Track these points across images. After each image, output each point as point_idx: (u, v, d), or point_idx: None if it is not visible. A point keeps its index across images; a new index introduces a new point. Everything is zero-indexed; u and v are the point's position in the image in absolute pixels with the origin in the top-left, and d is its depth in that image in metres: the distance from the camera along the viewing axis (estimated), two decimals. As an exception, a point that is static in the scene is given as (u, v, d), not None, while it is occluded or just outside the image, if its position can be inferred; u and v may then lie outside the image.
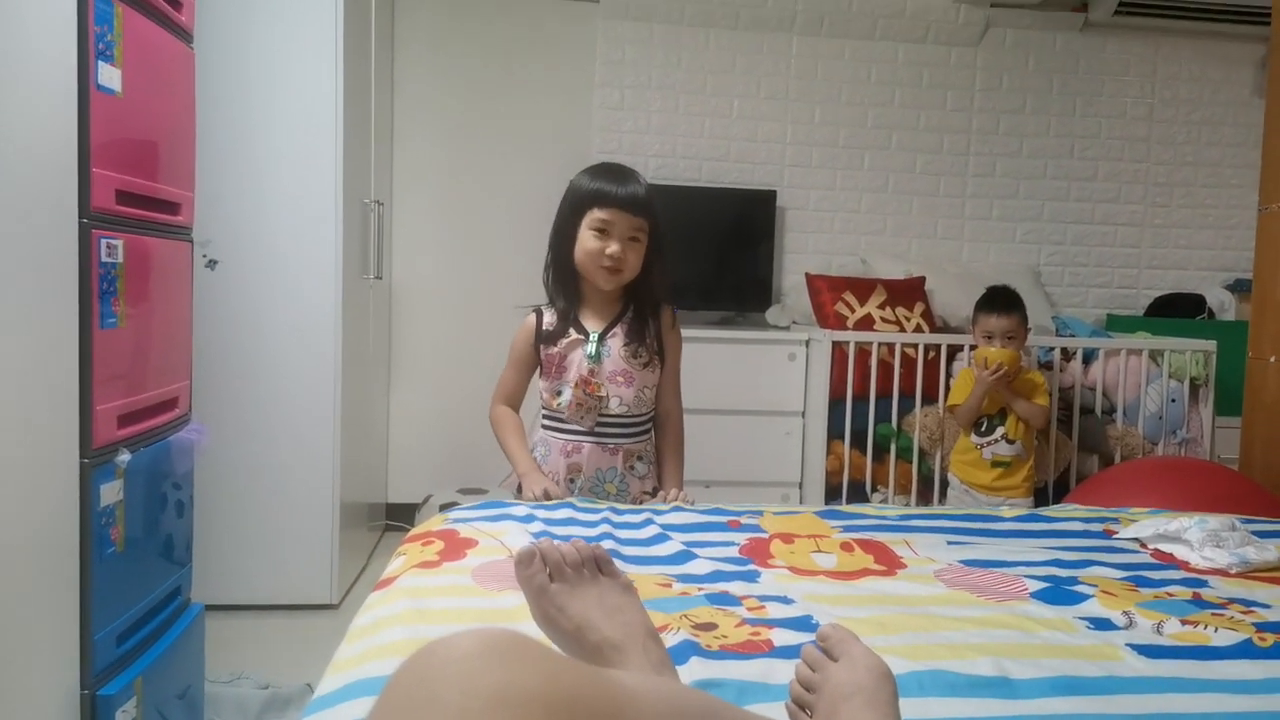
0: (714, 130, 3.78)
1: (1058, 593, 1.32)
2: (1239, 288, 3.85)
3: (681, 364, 2.04)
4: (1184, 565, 1.51)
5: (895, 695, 0.86)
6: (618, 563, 1.10)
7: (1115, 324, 3.88)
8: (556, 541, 1.05)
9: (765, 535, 1.58)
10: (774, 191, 3.74)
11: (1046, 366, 3.26)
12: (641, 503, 1.90)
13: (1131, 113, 3.99)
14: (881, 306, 3.41)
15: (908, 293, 3.49)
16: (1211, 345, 3.29)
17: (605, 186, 1.83)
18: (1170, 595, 1.34)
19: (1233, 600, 1.33)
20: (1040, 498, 3.01)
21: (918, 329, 3.39)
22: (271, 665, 2.29)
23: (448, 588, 1.27)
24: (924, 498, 3.22)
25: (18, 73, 1.37)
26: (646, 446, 1.95)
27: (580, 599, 1.01)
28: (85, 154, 1.51)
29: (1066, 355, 3.31)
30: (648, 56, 3.72)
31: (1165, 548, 1.58)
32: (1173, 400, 3.27)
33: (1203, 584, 1.41)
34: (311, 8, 2.64)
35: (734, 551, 1.49)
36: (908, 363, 3.22)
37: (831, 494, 3.22)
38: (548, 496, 1.77)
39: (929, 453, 3.21)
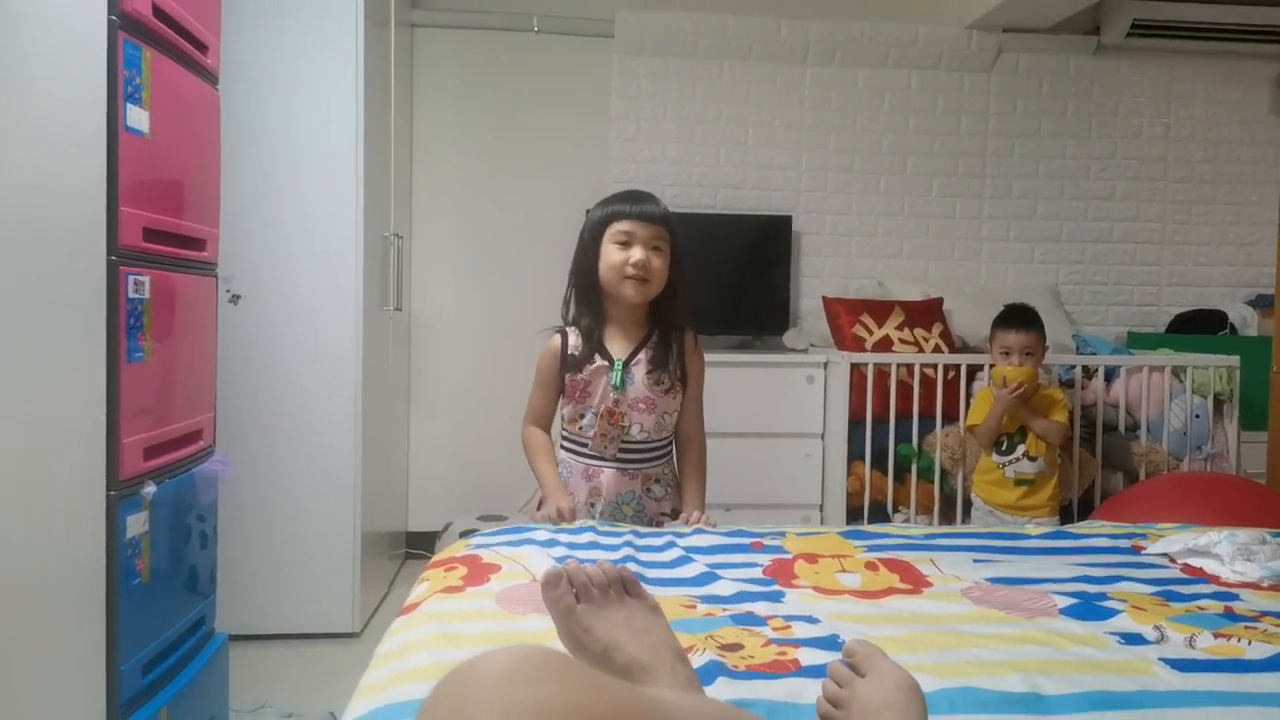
0: (729, 158, 3.81)
1: (1087, 608, 1.31)
2: (1261, 303, 3.82)
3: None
4: (1214, 579, 1.49)
5: (925, 711, 0.85)
6: (642, 585, 1.10)
7: (1136, 341, 3.85)
8: (583, 563, 1.05)
9: (789, 556, 1.57)
10: (790, 217, 3.76)
11: (1068, 385, 3.24)
12: (659, 524, 1.90)
13: (1147, 133, 3.99)
14: (899, 328, 3.40)
15: (925, 314, 3.49)
16: (1235, 361, 3.26)
17: (622, 205, 1.87)
18: (1201, 609, 1.32)
19: (1265, 613, 1.31)
20: (1065, 516, 2.98)
21: (936, 349, 3.38)
22: (294, 694, 2.29)
23: (472, 612, 1.27)
24: (946, 517, 3.20)
25: (50, 114, 1.41)
26: (664, 470, 1.95)
27: (607, 620, 1.01)
28: (114, 193, 1.55)
29: (1088, 373, 3.29)
30: (663, 89, 3.77)
31: (1195, 562, 1.56)
32: (1197, 416, 3.24)
33: (1234, 597, 1.39)
34: (332, 45, 2.69)
35: (758, 573, 1.49)
36: (927, 383, 3.21)
37: (853, 515, 3.20)
38: (561, 516, 1.77)
39: (951, 472, 3.19)
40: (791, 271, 3.77)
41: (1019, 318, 2.80)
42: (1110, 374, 3.31)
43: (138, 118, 1.59)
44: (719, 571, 1.47)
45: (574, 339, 1.92)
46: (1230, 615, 1.30)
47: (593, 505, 1.89)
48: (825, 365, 3.34)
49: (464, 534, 1.75)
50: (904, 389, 3.20)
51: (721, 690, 1.02)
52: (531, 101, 3.73)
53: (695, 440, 2.00)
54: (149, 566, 1.64)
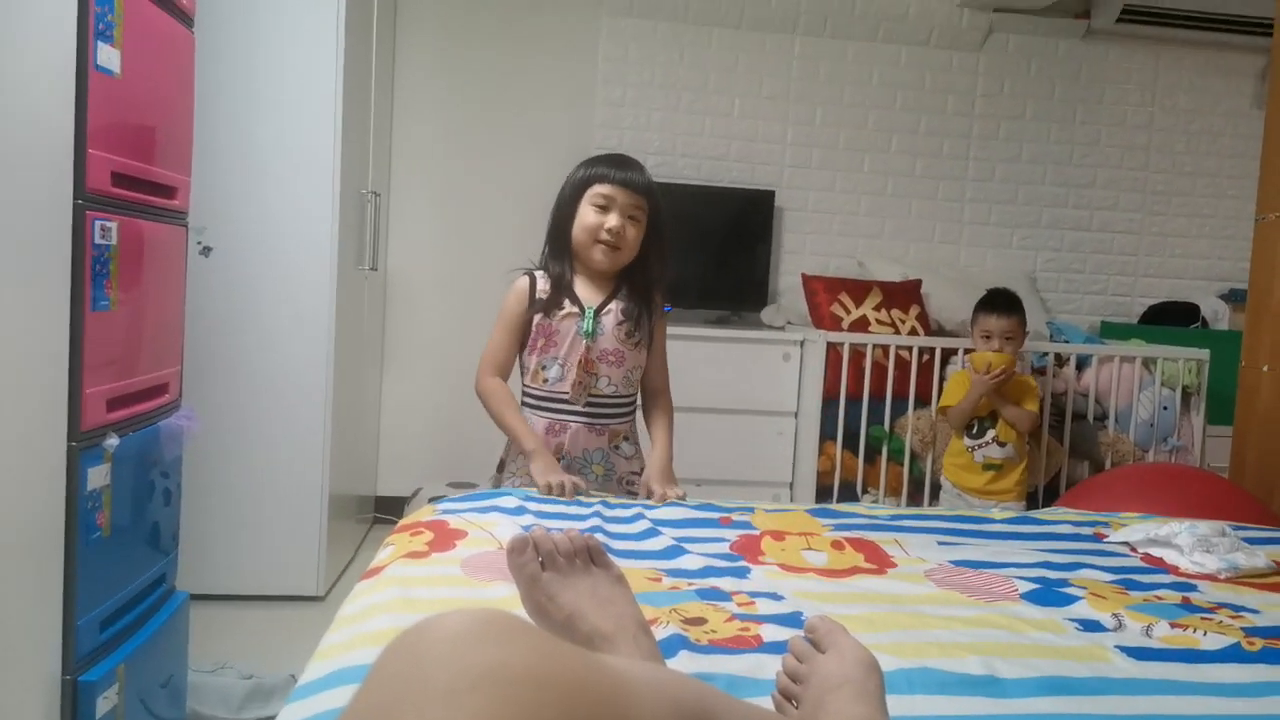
0: (715, 129, 3.78)
1: (1047, 594, 1.32)
2: (1233, 298, 3.86)
3: (675, 362, 2.04)
4: (1173, 569, 1.51)
5: (882, 687, 0.85)
6: (609, 555, 1.09)
7: (1109, 331, 3.89)
8: (550, 531, 1.05)
9: (756, 532, 1.57)
10: (773, 192, 3.74)
11: (1040, 372, 3.26)
12: (629, 483, 1.89)
13: (1131, 121, 4.00)
14: (877, 308, 3.41)
15: (904, 295, 3.49)
16: (1204, 354, 3.29)
17: (606, 168, 1.85)
18: (1159, 599, 1.34)
19: (1222, 605, 1.33)
20: (1031, 502, 3.02)
21: (913, 331, 3.39)
22: (256, 655, 2.28)
23: (436, 578, 1.26)
24: (914, 500, 3.23)
25: (17, 51, 1.36)
26: (631, 427, 1.94)
27: (572, 589, 1.00)
28: (82, 135, 1.50)
29: (1060, 361, 3.32)
30: (651, 53, 3.72)
31: (1155, 552, 1.58)
32: (1164, 408, 3.28)
33: (1192, 588, 1.41)
34: (312, -4, 2.63)
35: (725, 548, 1.49)
36: (902, 365, 3.22)
37: (822, 494, 3.22)
38: (564, 491, 1.70)
39: (920, 455, 3.21)
40: (772, 247, 3.76)
41: (1002, 302, 2.81)
42: (1082, 362, 3.34)
43: (108, 56, 1.54)
44: (686, 545, 1.47)
45: (543, 283, 1.89)
46: (1187, 606, 1.31)
47: (558, 462, 1.86)
48: (802, 343, 3.35)
49: (433, 500, 1.73)
50: (879, 370, 3.21)
51: (683, 663, 1.02)
52: (516, 60, 3.67)
53: (664, 395, 1.99)
54: (109, 521, 1.61)
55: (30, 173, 1.41)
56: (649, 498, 1.81)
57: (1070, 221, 4.01)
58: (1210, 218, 4.08)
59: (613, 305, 1.89)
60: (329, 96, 2.66)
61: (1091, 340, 3.58)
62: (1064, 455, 3.26)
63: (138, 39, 1.63)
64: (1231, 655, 1.13)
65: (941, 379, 3.21)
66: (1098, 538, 1.70)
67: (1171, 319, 3.88)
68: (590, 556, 1.04)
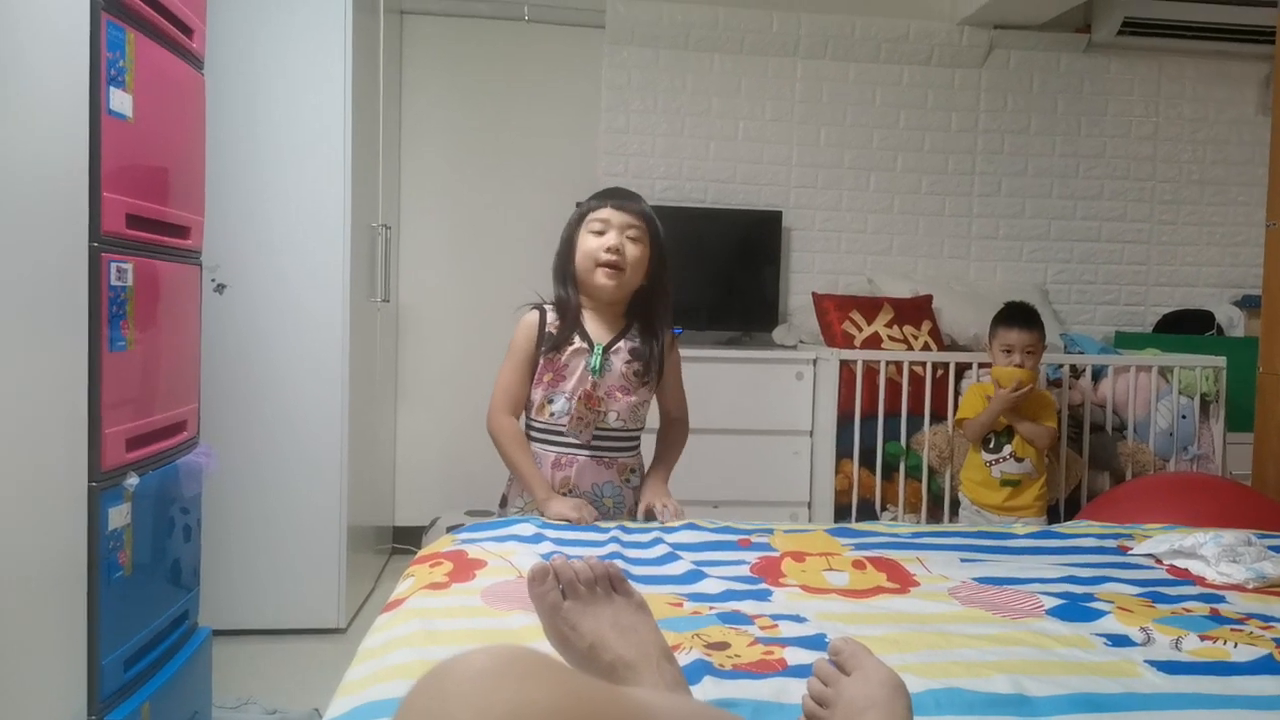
0: (720, 152, 3.80)
1: (1074, 609, 1.31)
2: (1247, 304, 3.84)
3: (689, 384, 2.04)
4: (1200, 581, 1.49)
5: (910, 709, 0.84)
6: (630, 582, 1.09)
7: (1123, 341, 3.87)
8: (569, 559, 1.04)
9: (776, 554, 1.56)
10: (780, 212, 3.75)
11: (1056, 384, 3.24)
12: (641, 516, 1.89)
13: (1136, 132, 4.00)
14: (889, 325, 3.40)
15: (915, 311, 3.49)
16: (1221, 361, 3.27)
17: (599, 198, 1.88)
18: (1187, 611, 1.32)
19: (1251, 615, 1.31)
20: (1052, 515, 2.99)
21: (925, 347, 3.38)
22: (279, 690, 2.27)
23: (457, 609, 1.26)
24: (934, 516, 3.20)
25: (30, 97, 1.38)
26: (639, 460, 1.94)
27: (593, 617, 1.00)
28: (96, 178, 1.52)
29: (1076, 372, 3.30)
30: (653, 80, 3.75)
31: (1180, 563, 1.57)
32: (1183, 417, 3.25)
33: (1220, 599, 1.39)
34: (320, 33, 2.66)
35: (745, 570, 1.48)
36: (916, 381, 3.21)
37: (840, 513, 3.20)
38: (579, 519, 1.71)
39: (938, 471, 3.19)
40: (781, 267, 3.77)
41: (1021, 316, 2.78)
42: (1098, 373, 3.32)
43: (121, 101, 1.57)
44: (706, 569, 1.46)
45: (552, 317, 1.89)
46: (1216, 617, 1.30)
47: (564, 496, 1.85)
48: (814, 362, 3.34)
49: (451, 529, 1.73)
50: (893, 387, 3.20)
51: (708, 689, 1.01)
52: (521, 91, 3.71)
53: (682, 423, 2.00)
54: (131, 559, 1.62)
55: (46, 216, 1.43)
56: (645, 515, 1.80)
57: (1079, 233, 4.00)
58: (1220, 225, 4.06)
59: (622, 344, 1.88)
60: (337, 131, 2.69)
61: (1106, 350, 3.56)
62: (1084, 467, 3.23)
63: (149, 83, 1.66)
64: (1263, 667, 1.12)
65: (956, 394, 3.20)
66: (1121, 550, 1.68)
67: (1186, 327, 3.86)
68: (611, 584, 1.04)
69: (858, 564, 1.51)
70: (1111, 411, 3.29)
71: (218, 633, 2.08)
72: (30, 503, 1.40)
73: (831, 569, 1.49)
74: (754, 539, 1.66)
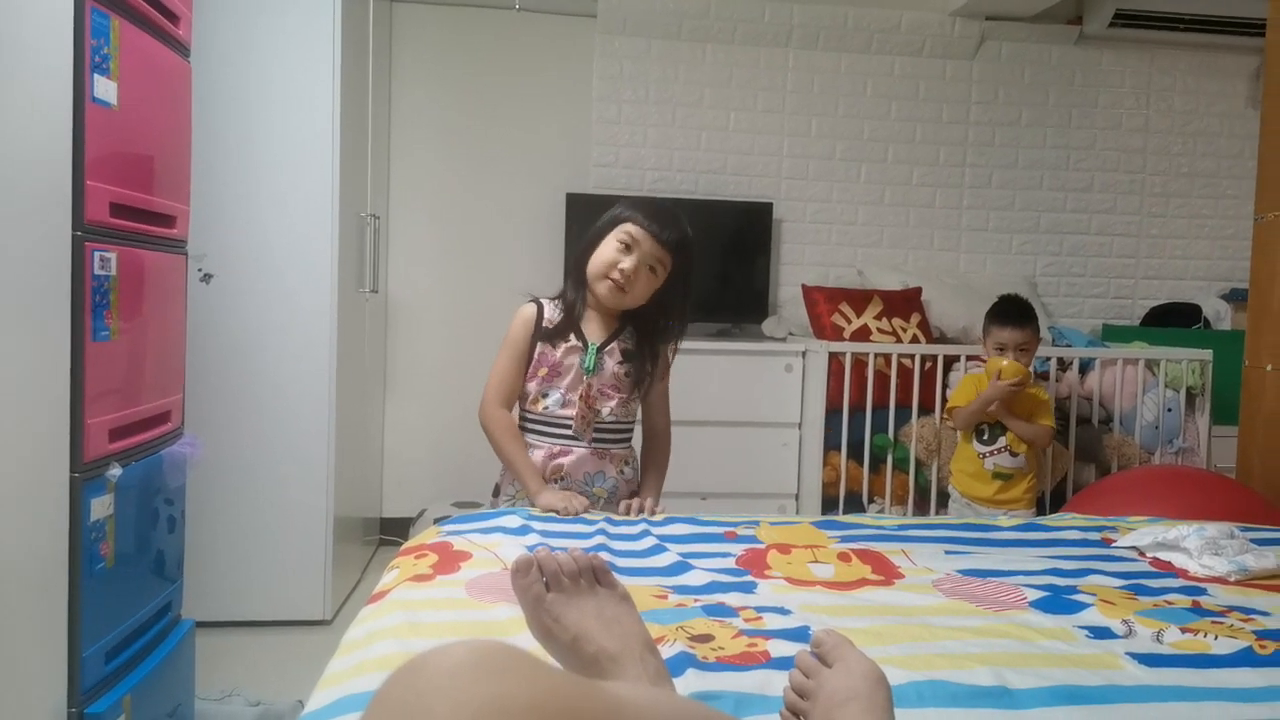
0: (711, 143, 3.79)
1: (1056, 602, 1.32)
2: (1234, 297, 3.86)
3: (678, 375, 2.03)
4: (1182, 573, 1.50)
5: (890, 701, 0.85)
6: (614, 574, 1.09)
7: (1111, 334, 3.88)
8: (554, 551, 1.04)
9: (762, 546, 1.57)
10: (771, 204, 3.74)
11: (1043, 376, 3.25)
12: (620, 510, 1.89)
13: (1127, 124, 4.01)
14: (878, 317, 3.41)
15: (904, 304, 3.49)
16: (1208, 355, 3.29)
17: (645, 214, 1.83)
18: (1169, 603, 1.33)
19: (1232, 608, 1.32)
20: (1038, 508, 3.00)
21: (914, 340, 3.38)
22: (263, 682, 2.27)
23: (441, 601, 1.26)
24: (921, 508, 3.21)
25: (13, 84, 1.37)
26: (632, 451, 1.94)
27: (577, 609, 1.00)
28: (80, 166, 1.51)
29: (1063, 365, 3.31)
30: (645, 71, 3.74)
31: (1164, 556, 1.57)
32: (1169, 410, 3.27)
33: (1202, 592, 1.40)
34: (309, 22, 2.64)
35: (731, 563, 1.48)
36: (904, 373, 3.21)
37: (828, 505, 3.21)
38: (566, 510, 1.72)
39: (925, 463, 3.20)
40: (771, 259, 3.77)
41: (1016, 312, 2.75)
42: (1085, 366, 3.33)
43: (105, 89, 1.55)
44: (692, 561, 1.46)
45: (550, 312, 1.90)
46: (1198, 610, 1.31)
47: (556, 483, 1.85)
48: (804, 354, 3.34)
49: (438, 521, 1.73)
50: (881, 379, 3.20)
51: (691, 681, 1.01)
52: (512, 81, 3.69)
53: (664, 435, 1.99)
54: (114, 551, 1.61)
55: (29, 205, 1.41)
56: (627, 512, 1.80)
57: (1069, 225, 4.01)
58: (1209, 218, 4.08)
59: (615, 344, 1.89)
60: (326, 120, 2.67)
61: (1094, 343, 3.57)
62: (1069, 459, 3.24)
63: (134, 71, 1.64)
64: (1244, 659, 1.12)
65: (945, 386, 3.21)
66: (1105, 543, 1.69)
67: (1173, 320, 3.87)
68: (595, 576, 1.04)
69: (843, 556, 1.52)
70: (1098, 404, 3.30)
71: (202, 624, 2.07)
72: (11, 493, 1.39)
73: (817, 561, 1.49)
74: (740, 531, 1.66)
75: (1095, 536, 1.73)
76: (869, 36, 3.79)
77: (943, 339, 3.57)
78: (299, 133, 2.66)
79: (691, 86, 3.77)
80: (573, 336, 1.87)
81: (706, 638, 1.14)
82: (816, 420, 3.23)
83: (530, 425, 1.90)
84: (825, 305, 3.43)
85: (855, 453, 3.21)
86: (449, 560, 1.41)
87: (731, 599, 1.29)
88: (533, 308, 1.91)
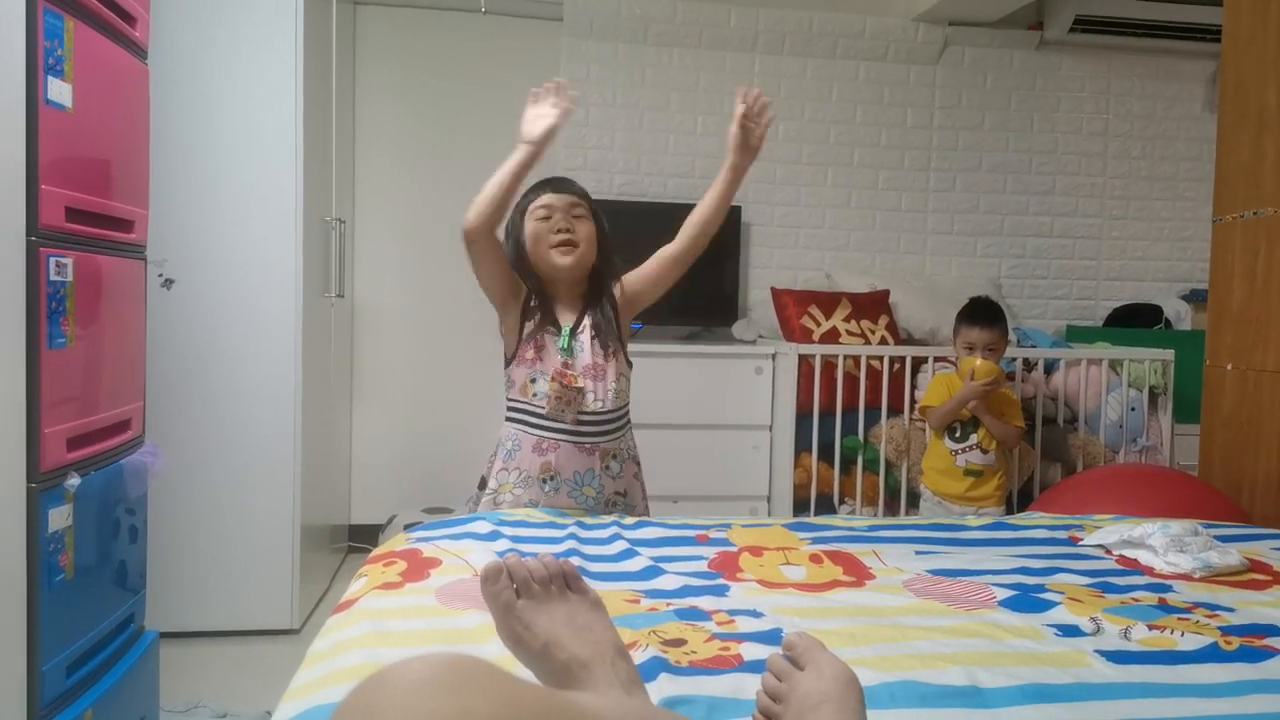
0: (679, 147, 3.80)
1: (1025, 600, 1.33)
2: (1194, 298, 3.93)
3: (648, 379, 2.04)
4: (1148, 571, 1.52)
5: (863, 703, 0.84)
6: (585, 579, 1.08)
7: (1075, 335, 3.94)
8: (524, 557, 1.03)
9: (734, 549, 1.56)
10: (739, 207, 3.75)
11: (1009, 377, 3.29)
12: (615, 504, 1.88)
13: (1087, 128, 4.07)
14: (847, 320, 3.43)
15: (872, 306, 3.52)
16: (1169, 354, 3.34)
17: (536, 186, 1.95)
18: (1136, 601, 1.35)
19: (1197, 604, 1.33)
20: (1006, 506, 3.03)
21: (883, 341, 3.41)
22: (230, 693, 2.23)
23: (410, 609, 1.24)
24: (891, 509, 3.23)
25: (-39, 86, 1.34)
26: (619, 445, 1.92)
27: (548, 616, 0.98)
28: (34, 170, 1.48)
29: (1028, 366, 3.35)
30: (612, 75, 3.73)
31: (1129, 554, 1.59)
32: (1133, 409, 3.32)
33: (1167, 589, 1.42)
34: (271, 24, 2.61)
35: (703, 566, 1.48)
36: (873, 375, 3.23)
37: (799, 507, 3.22)
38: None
39: (895, 464, 3.22)
40: (740, 263, 3.78)
41: (984, 313, 2.81)
42: (1050, 367, 3.37)
43: (59, 91, 1.52)
44: (664, 565, 1.46)
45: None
46: (1164, 607, 1.32)
47: (545, 482, 1.83)
48: (773, 357, 3.35)
49: (408, 527, 1.70)
50: (850, 381, 3.22)
51: (663, 687, 1.00)
52: (478, 84, 3.67)
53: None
54: (73, 562, 1.58)
55: (-19, 210, 1.38)
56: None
57: (1032, 228, 4.06)
58: (1168, 220, 4.15)
59: (585, 321, 1.89)
60: (288, 124, 2.63)
61: (1058, 344, 3.62)
62: (1036, 459, 3.28)
63: (90, 73, 1.61)
64: (1209, 655, 1.14)
65: (914, 388, 3.23)
66: (1072, 541, 1.70)
67: (1135, 321, 3.94)
68: (566, 582, 1.02)
69: (815, 558, 1.52)
70: (1063, 404, 3.34)
71: (167, 635, 2.03)
72: (-35, 505, 1.35)
73: (789, 563, 1.49)
74: (712, 534, 1.66)
75: (1062, 535, 1.74)
76: (833, 41, 3.82)
77: (910, 340, 3.60)
78: (261, 136, 2.62)
79: (658, 90, 3.77)
80: (549, 325, 1.88)
81: (679, 642, 1.13)
82: (787, 422, 3.24)
83: (517, 415, 1.88)
84: (794, 308, 3.44)
85: (826, 454, 3.22)
86: (418, 568, 1.39)
87: (704, 602, 1.29)
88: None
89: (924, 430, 2.96)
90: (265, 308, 2.64)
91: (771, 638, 1.15)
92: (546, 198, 1.90)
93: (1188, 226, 4.14)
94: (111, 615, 1.74)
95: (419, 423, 3.57)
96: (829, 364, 3.22)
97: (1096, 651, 1.14)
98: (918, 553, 1.58)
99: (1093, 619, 1.24)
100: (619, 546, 1.56)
